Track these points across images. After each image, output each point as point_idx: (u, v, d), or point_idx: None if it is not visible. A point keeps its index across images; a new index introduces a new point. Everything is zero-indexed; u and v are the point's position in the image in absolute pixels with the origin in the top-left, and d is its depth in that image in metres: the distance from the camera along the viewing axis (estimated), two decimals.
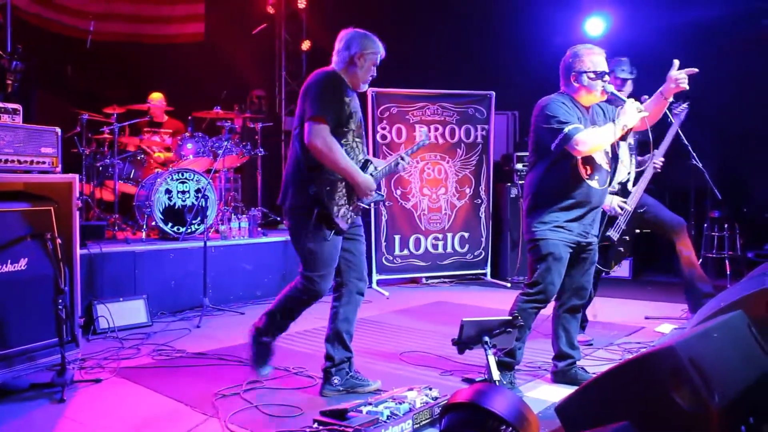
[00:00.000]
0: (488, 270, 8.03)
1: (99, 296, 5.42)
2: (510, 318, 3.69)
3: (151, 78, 8.57)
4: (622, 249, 4.88)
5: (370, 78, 3.79)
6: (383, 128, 7.65)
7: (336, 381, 3.76)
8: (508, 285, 7.63)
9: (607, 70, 3.81)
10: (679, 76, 3.69)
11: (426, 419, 3.23)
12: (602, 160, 3.85)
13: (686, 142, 5.28)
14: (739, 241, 7.37)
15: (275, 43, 9.90)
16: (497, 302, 6.14)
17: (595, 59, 3.78)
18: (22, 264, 4.09)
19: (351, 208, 3.68)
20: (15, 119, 4.35)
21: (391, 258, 7.65)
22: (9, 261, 4.00)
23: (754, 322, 2.94)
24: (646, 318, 5.74)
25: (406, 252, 7.76)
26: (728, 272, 6.95)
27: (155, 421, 3.42)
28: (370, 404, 3.17)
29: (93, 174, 7.18)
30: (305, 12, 9.66)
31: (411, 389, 3.42)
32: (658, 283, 7.87)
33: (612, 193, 4.67)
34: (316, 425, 3.09)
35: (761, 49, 7.56)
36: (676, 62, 3.73)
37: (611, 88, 3.78)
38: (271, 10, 9.56)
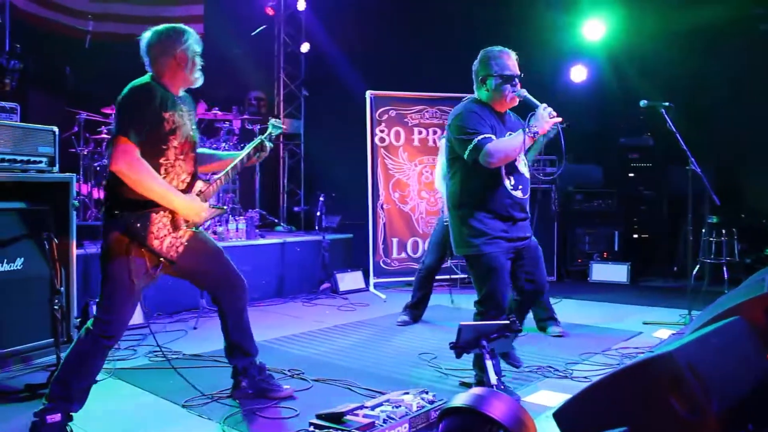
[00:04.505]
0: None
1: (95, 297, 5.38)
2: (508, 322, 3.68)
3: None
4: None
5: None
6: (381, 131, 7.64)
7: None
8: None
9: (516, 74, 3.63)
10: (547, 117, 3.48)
11: (423, 423, 3.22)
12: (524, 169, 3.72)
13: (685, 147, 5.28)
14: (737, 246, 7.36)
15: (274, 45, 9.90)
16: None
17: (501, 62, 3.63)
18: (18, 264, 4.09)
19: (180, 235, 3.25)
20: (12, 118, 4.36)
21: (389, 261, 7.64)
22: (5, 260, 4.01)
23: (753, 328, 2.94)
24: (644, 323, 5.73)
25: (403, 255, 7.75)
26: (726, 278, 6.93)
27: (151, 422, 3.41)
28: (366, 408, 3.16)
29: (91, 174, 7.16)
30: (304, 14, 9.66)
31: (407, 393, 3.41)
32: (655, 288, 7.86)
33: None
34: (312, 429, 3.07)
35: (759, 54, 7.57)
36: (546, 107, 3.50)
37: (523, 92, 3.60)
38: (270, 11, 9.56)
